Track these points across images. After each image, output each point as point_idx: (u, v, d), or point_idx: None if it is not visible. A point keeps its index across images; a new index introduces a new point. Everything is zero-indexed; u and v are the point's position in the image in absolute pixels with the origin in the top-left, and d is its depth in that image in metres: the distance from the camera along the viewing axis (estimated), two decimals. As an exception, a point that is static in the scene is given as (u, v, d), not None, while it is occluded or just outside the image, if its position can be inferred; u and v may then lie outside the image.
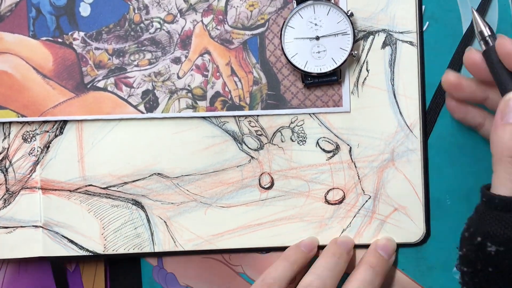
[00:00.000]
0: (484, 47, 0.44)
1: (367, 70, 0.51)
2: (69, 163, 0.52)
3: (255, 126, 0.52)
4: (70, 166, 0.52)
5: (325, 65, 0.49)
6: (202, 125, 0.52)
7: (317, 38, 0.49)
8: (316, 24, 0.49)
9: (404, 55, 0.51)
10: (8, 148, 0.52)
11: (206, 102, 0.51)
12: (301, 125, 0.51)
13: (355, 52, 0.49)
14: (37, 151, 0.52)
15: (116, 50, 0.51)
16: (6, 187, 0.52)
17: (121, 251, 0.52)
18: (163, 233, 0.52)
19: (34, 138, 0.52)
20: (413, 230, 0.51)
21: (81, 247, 0.52)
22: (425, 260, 0.52)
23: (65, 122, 0.52)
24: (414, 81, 0.51)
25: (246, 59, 0.50)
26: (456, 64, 0.50)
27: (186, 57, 0.51)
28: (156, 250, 0.52)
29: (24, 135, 0.52)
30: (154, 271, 0.53)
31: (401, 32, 0.51)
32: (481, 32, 0.44)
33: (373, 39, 0.51)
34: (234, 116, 0.51)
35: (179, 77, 0.51)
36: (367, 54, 0.51)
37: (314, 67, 0.49)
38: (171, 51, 0.51)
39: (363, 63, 0.51)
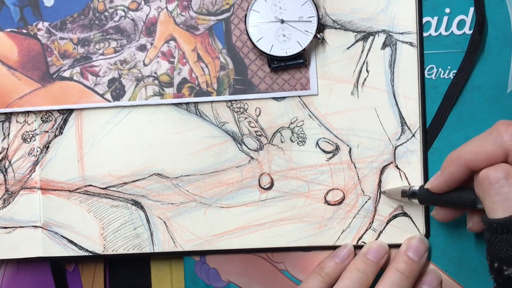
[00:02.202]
0: (415, 201, 0.48)
1: (367, 71, 0.51)
2: (69, 163, 0.52)
3: (255, 126, 0.52)
4: (70, 166, 0.52)
5: (291, 48, 0.49)
6: (202, 126, 0.51)
7: (282, 21, 0.49)
8: (280, 8, 0.49)
9: (404, 56, 0.51)
10: (7, 148, 0.52)
11: (173, 88, 0.51)
12: (301, 125, 0.51)
13: (320, 35, 0.49)
14: (37, 151, 0.52)
15: (81, 39, 0.51)
16: (5, 187, 0.52)
17: (121, 251, 0.52)
18: (163, 233, 0.52)
19: (33, 138, 0.52)
20: (413, 231, 0.51)
21: (81, 248, 0.52)
22: (469, 262, 0.51)
23: (64, 122, 0.51)
24: (414, 82, 0.51)
25: (212, 45, 0.50)
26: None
27: (151, 44, 0.51)
28: (156, 250, 0.52)
29: (24, 135, 0.52)
30: (196, 266, 0.53)
31: (401, 33, 0.51)
32: (404, 192, 0.49)
33: (373, 39, 0.51)
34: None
35: (145, 65, 0.51)
36: (367, 55, 0.51)
37: (280, 51, 0.49)
38: (136, 38, 0.51)
39: (363, 63, 0.51)
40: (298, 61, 0.50)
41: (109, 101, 0.51)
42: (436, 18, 0.51)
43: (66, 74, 0.51)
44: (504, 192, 0.40)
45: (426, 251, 0.50)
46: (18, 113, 0.51)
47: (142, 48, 0.50)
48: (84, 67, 0.50)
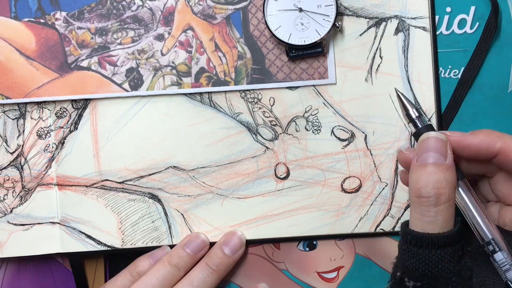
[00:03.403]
0: (413, 129, 0.45)
1: (381, 57, 0.51)
2: (85, 158, 0.51)
3: (269, 116, 0.51)
4: (86, 161, 0.51)
5: (309, 37, 0.49)
6: (217, 117, 0.51)
7: (300, 10, 0.49)
8: None
9: (417, 40, 0.50)
10: (23, 145, 0.52)
11: (191, 78, 0.51)
12: (316, 114, 0.51)
13: (339, 23, 0.49)
14: (52, 147, 0.52)
15: (99, 29, 0.51)
16: (22, 184, 0.52)
17: (139, 244, 0.52)
18: (181, 225, 0.52)
19: (48, 134, 0.52)
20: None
21: (99, 242, 0.52)
22: None
23: (79, 117, 0.51)
24: (428, 66, 0.50)
25: (230, 34, 0.50)
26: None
27: (169, 33, 0.50)
28: (174, 242, 0.52)
29: (39, 132, 0.52)
30: None
31: (414, 18, 0.50)
32: (408, 115, 0.46)
33: (386, 25, 0.51)
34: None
35: (163, 54, 0.51)
36: (380, 41, 0.51)
37: (298, 39, 0.49)
38: (154, 28, 0.50)
39: (376, 50, 0.51)
40: (317, 50, 0.50)
41: (127, 90, 0.51)
42: (437, 17, 0.51)
43: (84, 64, 0.51)
44: (429, 215, 0.40)
45: (241, 247, 0.51)
46: (32, 109, 0.51)
47: (160, 37, 0.50)
48: (102, 56, 0.50)
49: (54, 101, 0.51)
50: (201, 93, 0.51)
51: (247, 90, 0.51)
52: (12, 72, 0.51)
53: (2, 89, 0.51)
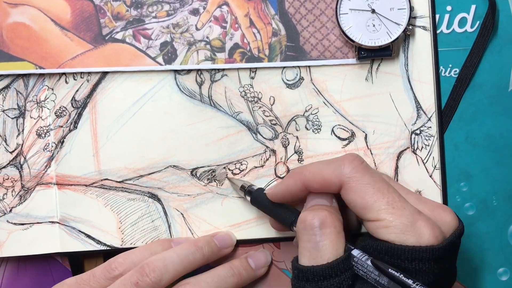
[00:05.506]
0: (249, 197, 0.48)
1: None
2: (84, 157, 0.51)
3: (270, 115, 0.51)
4: (85, 160, 0.51)
5: (380, 39, 0.49)
6: (216, 116, 0.51)
7: (373, 11, 0.49)
8: None
9: (417, 40, 0.50)
10: (22, 144, 0.52)
11: (225, 54, 0.51)
12: (316, 113, 0.51)
13: (410, 27, 0.49)
14: (52, 146, 0.51)
15: (134, 2, 0.50)
16: (21, 184, 0.51)
17: (139, 244, 0.51)
18: (180, 225, 0.52)
19: (48, 133, 0.51)
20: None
21: (99, 242, 0.52)
22: (469, 262, 0.51)
23: (79, 116, 0.51)
24: (428, 65, 0.50)
25: (265, 10, 0.50)
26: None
27: (204, 8, 0.50)
28: (174, 242, 0.52)
29: (38, 131, 0.51)
30: None
31: (414, 17, 0.50)
32: (242, 187, 0.49)
33: (386, 24, 0.50)
34: (248, 105, 0.51)
35: (197, 29, 0.51)
36: (380, 40, 0.50)
37: (369, 41, 0.49)
38: (189, 2, 0.50)
39: (377, 49, 0.51)
40: (386, 53, 0.49)
41: (161, 64, 0.51)
42: (437, 16, 0.51)
43: (119, 36, 0.51)
44: (314, 241, 0.39)
45: (265, 264, 0.51)
46: (32, 108, 0.51)
47: (195, 12, 0.50)
48: (137, 29, 0.50)
49: (53, 100, 0.51)
50: (201, 92, 0.51)
51: (244, 90, 0.51)
52: (46, 42, 0.51)
53: (36, 59, 0.51)
